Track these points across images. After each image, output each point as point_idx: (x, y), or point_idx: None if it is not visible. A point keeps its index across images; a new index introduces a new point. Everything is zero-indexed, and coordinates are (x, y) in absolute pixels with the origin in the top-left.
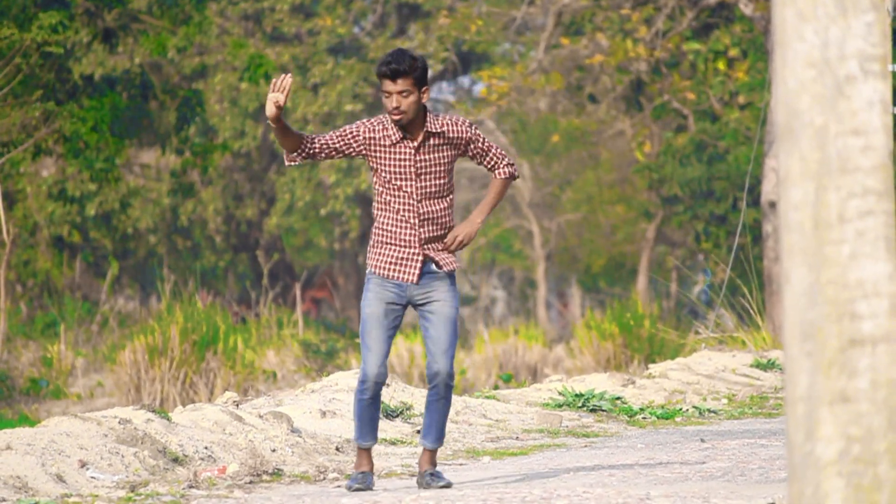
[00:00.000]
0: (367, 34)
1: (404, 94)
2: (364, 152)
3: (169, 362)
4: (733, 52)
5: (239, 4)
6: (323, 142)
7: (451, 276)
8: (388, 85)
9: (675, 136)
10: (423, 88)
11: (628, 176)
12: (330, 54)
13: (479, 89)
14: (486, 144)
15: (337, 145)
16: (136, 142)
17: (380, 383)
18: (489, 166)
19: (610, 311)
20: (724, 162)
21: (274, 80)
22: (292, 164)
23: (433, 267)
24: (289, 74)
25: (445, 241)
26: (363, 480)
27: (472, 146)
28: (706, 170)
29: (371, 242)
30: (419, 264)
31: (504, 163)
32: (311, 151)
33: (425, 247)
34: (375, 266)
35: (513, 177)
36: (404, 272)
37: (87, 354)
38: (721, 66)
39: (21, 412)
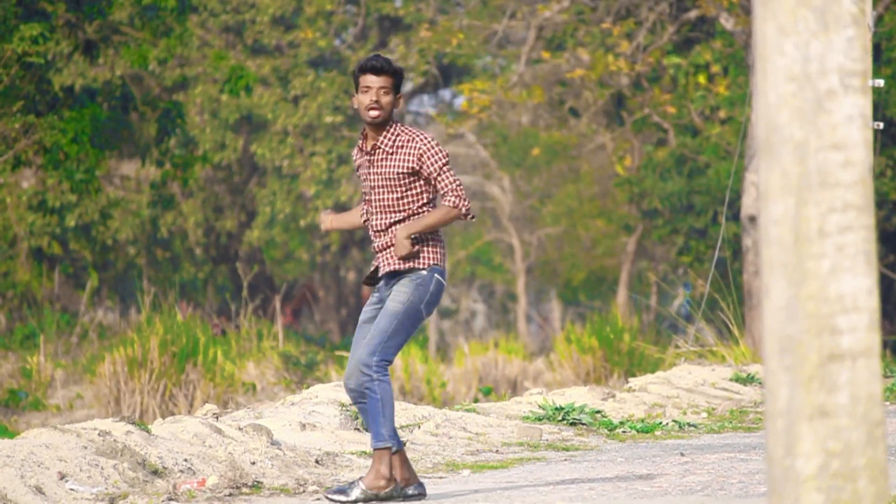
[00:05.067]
0: (347, 47)
1: (384, 90)
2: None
3: (148, 374)
4: (714, 67)
5: (220, 16)
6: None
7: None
8: (370, 79)
9: (655, 150)
10: (398, 95)
11: (609, 190)
12: (310, 66)
13: (460, 102)
14: (441, 167)
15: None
16: (116, 153)
17: None
18: (441, 192)
19: (590, 324)
20: (704, 176)
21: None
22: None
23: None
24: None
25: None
26: None
27: (425, 164)
28: (686, 184)
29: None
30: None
31: (454, 194)
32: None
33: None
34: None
35: (458, 209)
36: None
37: (66, 366)
38: (702, 80)
39: None
